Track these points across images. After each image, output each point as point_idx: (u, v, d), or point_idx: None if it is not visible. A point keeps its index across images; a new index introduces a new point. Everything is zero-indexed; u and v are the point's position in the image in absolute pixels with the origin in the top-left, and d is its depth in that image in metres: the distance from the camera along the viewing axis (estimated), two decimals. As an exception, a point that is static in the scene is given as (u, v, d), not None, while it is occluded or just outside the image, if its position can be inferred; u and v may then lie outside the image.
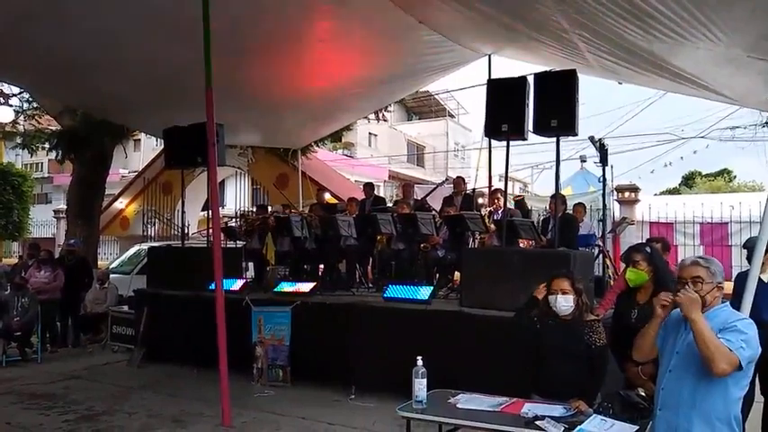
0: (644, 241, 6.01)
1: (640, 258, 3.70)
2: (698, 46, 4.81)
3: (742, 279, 4.47)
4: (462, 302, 6.01)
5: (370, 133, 29.88)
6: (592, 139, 7.93)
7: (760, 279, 5.01)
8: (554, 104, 5.64)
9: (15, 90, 12.14)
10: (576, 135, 5.82)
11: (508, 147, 6.40)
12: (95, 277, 9.95)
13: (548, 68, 6.59)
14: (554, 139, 6.06)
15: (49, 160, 25.43)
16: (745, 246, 5.31)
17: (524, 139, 6.11)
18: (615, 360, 3.79)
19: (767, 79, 5.07)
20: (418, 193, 10.34)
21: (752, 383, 3.59)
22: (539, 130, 5.81)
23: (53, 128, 13.17)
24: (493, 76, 7.33)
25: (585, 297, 3.53)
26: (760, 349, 2.57)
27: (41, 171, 30.05)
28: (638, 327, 3.54)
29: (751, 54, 4.57)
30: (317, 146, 14.20)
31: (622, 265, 7.77)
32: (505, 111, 5.98)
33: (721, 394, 2.54)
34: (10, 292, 8.37)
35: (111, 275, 10.57)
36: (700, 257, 2.79)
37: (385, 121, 18.35)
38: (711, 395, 2.56)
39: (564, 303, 3.45)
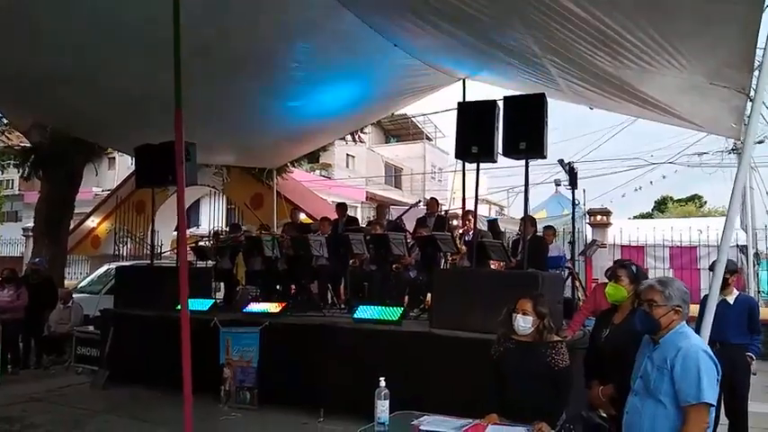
0: (614, 263, 6.02)
1: (623, 275, 3.63)
2: (663, 73, 4.93)
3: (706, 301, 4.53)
4: (432, 324, 5.98)
5: (347, 155, 29.98)
6: (561, 162, 8.03)
7: (726, 301, 5.12)
8: (523, 127, 5.69)
9: (-15, 106, 11.90)
10: (545, 158, 5.88)
11: (478, 169, 6.46)
12: (59, 297, 9.71)
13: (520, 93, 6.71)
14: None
15: (20, 177, 24.94)
16: (710, 268, 5.39)
17: (494, 162, 6.18)
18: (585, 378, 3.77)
19: (730, 106, 5.22)
20: (393, 214, 10.35)
21: (717, 405, 3.59)
22: (508, 152, 5.85)
23: (24, 144, 12.92)
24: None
25: (550, 320, 3.49)
26: (718, 368, 2.58)
27: (12, 188, 29.50)
28: (606, 347, 3.54)
29: (713, 81, 4.69)
30: (294, 166, 14.15)
31: (592, 287, 7.90)
32: (475, 133, 6.02)
33: (681, 420, 2.54)
34: (-29, 311, 8.10)
35: (80, 295, 10.34)
36: (659, 280, 2.80)
37: (362, 142, 18.44)
38: (670, 421, 2.55)
39: (522, 324, 3.42)
